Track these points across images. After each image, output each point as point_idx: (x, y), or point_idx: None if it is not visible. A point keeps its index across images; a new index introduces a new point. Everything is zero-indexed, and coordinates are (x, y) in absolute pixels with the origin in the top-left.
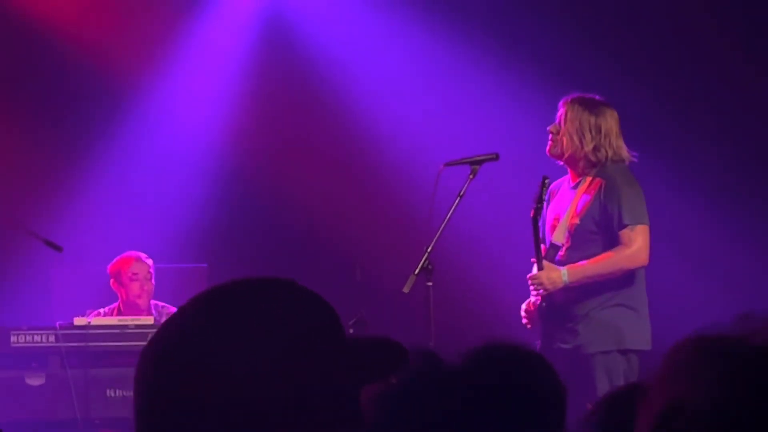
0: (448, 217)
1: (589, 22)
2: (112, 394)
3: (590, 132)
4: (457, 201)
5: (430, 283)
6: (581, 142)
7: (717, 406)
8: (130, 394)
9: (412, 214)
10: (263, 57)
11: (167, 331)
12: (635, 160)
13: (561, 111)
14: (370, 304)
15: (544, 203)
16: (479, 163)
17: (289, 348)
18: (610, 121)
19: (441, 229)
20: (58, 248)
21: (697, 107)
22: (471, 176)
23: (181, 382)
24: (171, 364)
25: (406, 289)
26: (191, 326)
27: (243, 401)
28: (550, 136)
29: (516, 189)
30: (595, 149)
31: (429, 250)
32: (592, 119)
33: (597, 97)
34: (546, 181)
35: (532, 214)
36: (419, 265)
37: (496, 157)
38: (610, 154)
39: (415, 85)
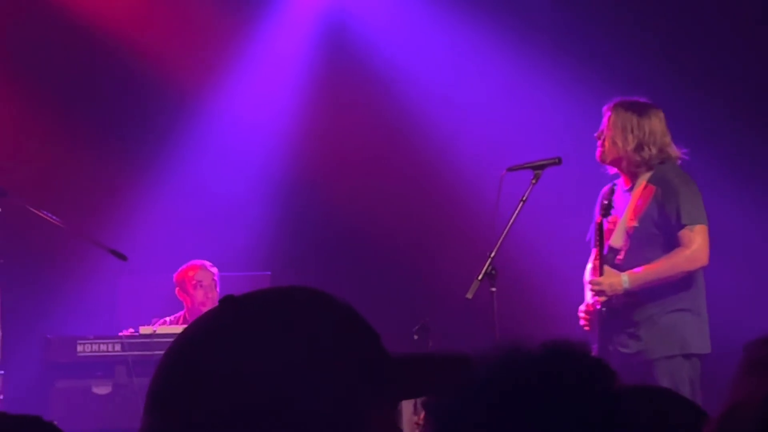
0: (511, 222)
1: (651, 24)
2: None
3: (632, 132)
4: (520, 206)
5: (493, 289)
6: (623, 144)
7: None
8: None
9: (475, 219)
10: (326, 64)
11: (185, 335)
12: (686, 158)
13: (608, 116)
14: (434, 310)
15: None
16: (542, 167)
17: (309, 357)
18: (655, 120)
19: (504, 234)
20: (123, 257)
21: (754, 108)
22: (534, 181)
23: (193, 387)
24: (183, 368)
25: (469, 295)
26: (209, 331)
27: (254, 407)
28: (599, 143)
29: (578, 193)
30: (638, 149)
31: (492, 255)
32: (635, 120)
33: (641, 98)
34: (614, 187)
35: (598, 221)
36: (483, 271)
37: (559, 162)
38: (654, 152)
39: (477, 90)
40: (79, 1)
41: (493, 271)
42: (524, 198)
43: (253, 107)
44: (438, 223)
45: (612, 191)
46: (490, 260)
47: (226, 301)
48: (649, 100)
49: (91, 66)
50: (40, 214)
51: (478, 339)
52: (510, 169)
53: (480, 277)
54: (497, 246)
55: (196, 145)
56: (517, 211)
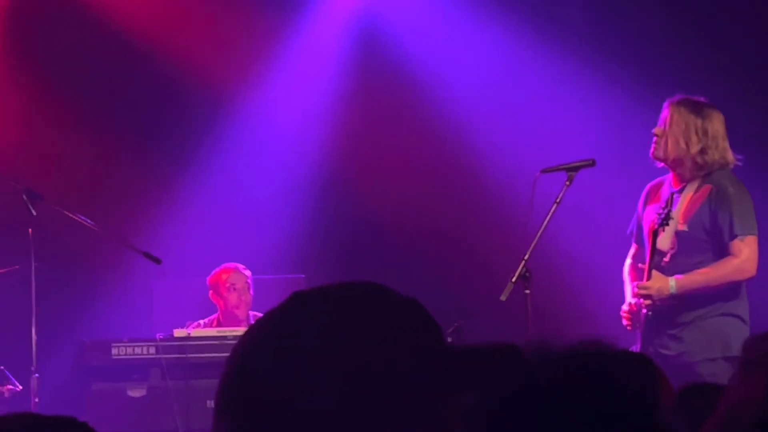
0: (544, 224)
1: (686, 24)
2: (212, 406)
3: (696, 135)
4: (553, 208)
5: (527, 291)
6: (687, 145)
7: None
8: None
9: (508, 221)
10: (359, 65)
11: (255, 328)
12: (740, 163)
13: (665, 113)
14: (468, 312)
15: (643, 206)
16: (576, 169)
17: (377, 350)
18: (717, 123)
19: (538, 236)
20: (157, 260)
21: None
22: (567, 183)
23: (261, 379)
24: (253, 361)
25: (503, 297)
26: (279, 323)
27: (323, 406)
28: (654, 139)
29: (613, 195)
30: (702, 152)
31: (526, 257)
32: (699, 122)
33: (703, 99)
34: (674, 196)
35: (655, 228)
36: (516, 273)
37: (593, 163)
38: (716, 157)
39: (510, 92)
40: (115, 4)
41: (527, 274)
42: (558, 200)
43: (286, 109)
44: (471, 225)
45: (671, 196)
46: (524, 262)
47: (291, 299)
48: (710, 102)
49: (125, 68)
50: (75, 217)
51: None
52: (544, 171)
53: (514, 280)
54: (531, 248)
55: (230, 148)
56: (550, 213)
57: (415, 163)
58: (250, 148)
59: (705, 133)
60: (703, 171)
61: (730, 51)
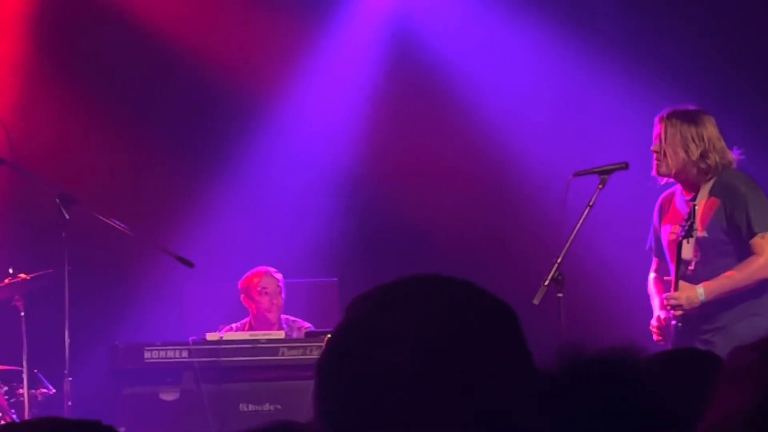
0: (577, 227)
1: (722, 27)
2: (245, 409)
3: (694, 142)
4: (586, 211)
5: (560, 295)
6: (687, 154)
7: None
8: (263, 408)
9: (541, 224)
10: (391, 70)
11: (344, 320)
12: (742, 157)
13: (657, 129)
14: None
15: (659, 220)
16: (609, 172)
17: (458, 344)
18: (710, 126)
19: (571, 239)
20: (189, 264)
21: None
22: (600, 186)
23: (348, 371)
24: (339, 354)
25: (536, 301)
26: (364, 317)
27: (406, 397)
28: (655, 156)
29: (646, 199)
30: (703, 157)
31: (559, 261)
32: (693, 129)
33: (691, 106)
34: (696, 207)
35: (677, 240)
36: (549, 276)
37: (626, 167)
38: (718, 158)
39: (543, 95)
40: (149, 10)
41: (560, 277)
42: (591, 203)
43: (318, 112)
44: (504, 228)
45: (692, 208)
46: (556, 266)
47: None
48: (698, 106)
49: (159, 73)
50: (109, 221)
51: (545, 345)
52: (577, 174)
53: (547, 283)
54: (564, 251)
55: (262, 152)
56: (584, 217)
57: (448, 166)
58: (281, 151)
59: (701, 138)
60: (709, 175)
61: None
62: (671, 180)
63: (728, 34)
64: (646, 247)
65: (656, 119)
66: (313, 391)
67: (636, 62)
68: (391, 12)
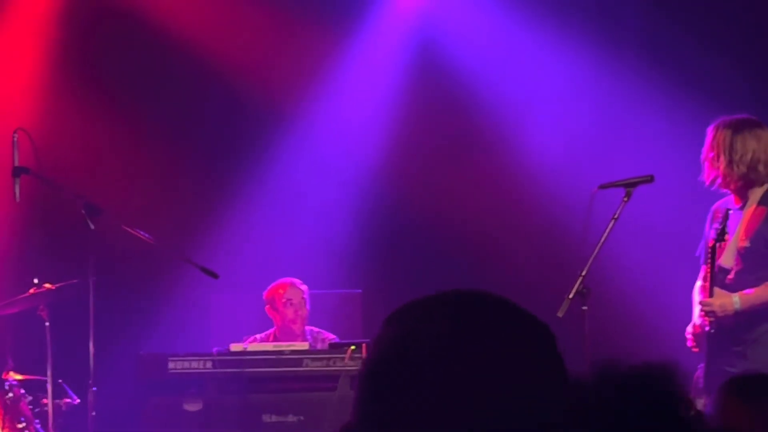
0: (602, 240)
1: (751, 38)
2: (269, 420)
3: (744, 151)
4: (611, 224)
5: (585, 307)
6: (736, 163)
7: None
8: (287, 419)
9: (566, 237)
10: (417, 79)
11: (389, 330)
12: None
13: (709, 137)
14: None
15: (709, 228)
16: (634, 185)
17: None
18: (761, 136)
19: (596, 252)
20: (214, 275)
21: None
22: (625, 199)
23: (394, 382)
24: (386, 364)
25: (560, 313)
26: (410, 329)
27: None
28: (705, 165)
29: (671, 212)
30: (750, 168)
31: (584, 273)
32: (741, 138)
33: (746, 116)
34: (729, 212)
35: (711, 244)
36: (574, 289)
37: (651, 180)
38: (765, 171)
39: (569, 107)
40: (172, 17)
41: (585, 290)
42: (616, 216)
43: (344, 125)
44: (529, 241)
45: (725, 212)
46: (581, 278)
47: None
48: (752, 117)
49: (183, 81)
50: (134, 232)
51: (570, 358)
52: (602, 187)
53: (571, 296)
54: (589, 264)
55: (287, 163)
56: (608, 229)
57: (473, 179)
58: (307, 162)
59: (752, 147)
60: (755, 184)
61: None
62: (725, 189)
63: (756, 43)
64: (696, 254)
65: (708, 128)
66: (355, 397)
67: (665, 74)
68: (416, 21)
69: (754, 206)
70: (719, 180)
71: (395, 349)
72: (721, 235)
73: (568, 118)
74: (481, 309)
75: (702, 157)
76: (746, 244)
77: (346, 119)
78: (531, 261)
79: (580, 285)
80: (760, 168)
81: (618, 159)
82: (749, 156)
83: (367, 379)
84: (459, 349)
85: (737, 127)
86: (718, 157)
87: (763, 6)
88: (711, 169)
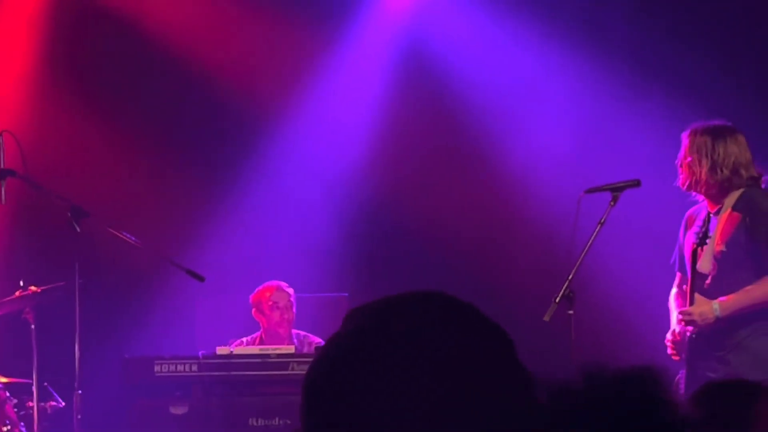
0: (589, 244)
1: (735, 44)
2: (255, 423)
3: (719, 156)
4: (598, 228)
5: (571, 312)
6: (712, 168)
7: None
8: (272, 423)
9: (553, 241)
10: (402, 85)
11: (326, 348)
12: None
13: (686, 142)
14: (510, 332)
15: (683, 235)
16: (620, 189)
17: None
18: (737, 141)
19: (582, 256)
20: (200, 278)
21: None
22: (612, 203)
23: (334, 401)
24: (323, 384)
25: (546, 318)
26: (360, 328)
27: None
28: (680, 170)
29: (657, 216)
30: (728, 172)
31: (570, 277)
32: (718, 143)
33: (720, 122)
34: (710, 216)
35: (693, 248)
36: (560, 293)
37: (638, 184)
38: (744, 173)
39: (556, 111)
40: (159, 19)
41: (571, 294)
42: (602, 220)
43: (330, 128)
44: (515, 245)
45: (707, 216)
46: (567, 282)
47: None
48: (728, 123)
49: (169, 84)
50: (120, 235)
51: (556, 362)
52: (588, 191)
53: (557, 300)
54: (575, 268)
55: (273, 166)
56: (595, 234)
57: (460, 182)
58: (293, 165)
59: (727, 153)
60: (732, 189)
61: None
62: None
63: (742, 48)
64: (670, 262)
65: (683, 134)
66: (301, 405)
67: (649, 79)
68: (404, 23)
69: (729, 211)
70: (696, 185)
71: (349, 349)
72: (703, 239)
73: (554, 123)
74: (440, 309)
75: (678, 161)
76: (722, 248)
77: (333, 121)
78: (517, 265)
79: (566, 289)
80: (742, 172)
81: (605, 163)
82: (731, 160)
83: (314, 381)
84: (414, 350)
85: (717, 133)
86: (700, 161)
87: (748, 11)
88: (689, 174)
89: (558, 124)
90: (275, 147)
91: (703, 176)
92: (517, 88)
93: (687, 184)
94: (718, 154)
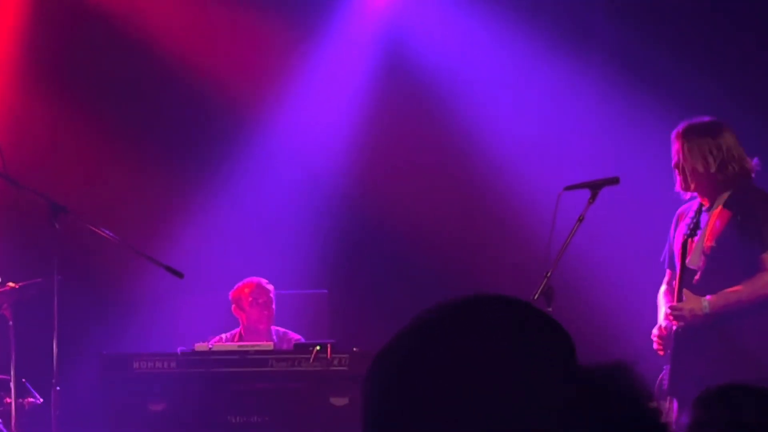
0: (567, 241)
1: (715, 41)
2: (233, 420)
3: (711, 153)
4: (577, 225)
5: (549, 309)
6: (706, 168)
7: None
8: (251, 419)
9: (531, 238)
10: (381, 83)
11: (395, 343)
12: (758, 168)
13: (676, 145)
14: None
15: (674, 232)
16: (599, 186)
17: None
18: (727, 136)
19: (561, 253)
20: (179, 275)
21: None
22: (591, 200)
23: (405, 397)
24: (395, 380)
25: None
26: (417, 344)
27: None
28: (676, 173)
29: (636, 213)
30: (721, 168)
31: (549, 274)
32: (709, 141)
33: (706, 118)
34: (702, 207)
35: (683, 240)
36: (539, 290)
37: (617, 181)
38: (737, 169)
39: (533, 109)
40: (140, 18)
41: (550, 291)
42: (581, 217)
43: (308, 125)
44: (494, 242)
45: (699, 207)
46: (546, 279)
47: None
48: (713, 118)
49: (150, 84)
50: (98, 231)
51: None
52: (567, 188)
53: (536, 296)
54: (554, 265)
55: (252, 163)
56: (574, 230)
57: (439, 179)
58: (272, 163)
59: (719, 149)
60: (727, 186)
61: (760, 66)
62: (695, 194)
63: (722, 43)
64: (660, 259)
65: (673, 136)
66: (365, 405)
67: (629, 76)
68: (383, 22)
69: (720, 208)
70: (695, 184)
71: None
72: (694, 230)
73: (534, 120)
74: (499, 311)
75: (674, 163)
76: (713, 244)
77: (312, 119)
78: (496, 262)
79: (545, 286)
80: (730, 169)
81: (584, 160)
82: (721, 157)
83: (383, 382)
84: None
85: (714, 130)
86: (706, 161)
87: (727, 11)
88: (692, 176)
89: (537, 121)
90: (255, 144)
91: (710, 175)
92: (496, 85)
93: (688, 186)
94: (724, 151)
